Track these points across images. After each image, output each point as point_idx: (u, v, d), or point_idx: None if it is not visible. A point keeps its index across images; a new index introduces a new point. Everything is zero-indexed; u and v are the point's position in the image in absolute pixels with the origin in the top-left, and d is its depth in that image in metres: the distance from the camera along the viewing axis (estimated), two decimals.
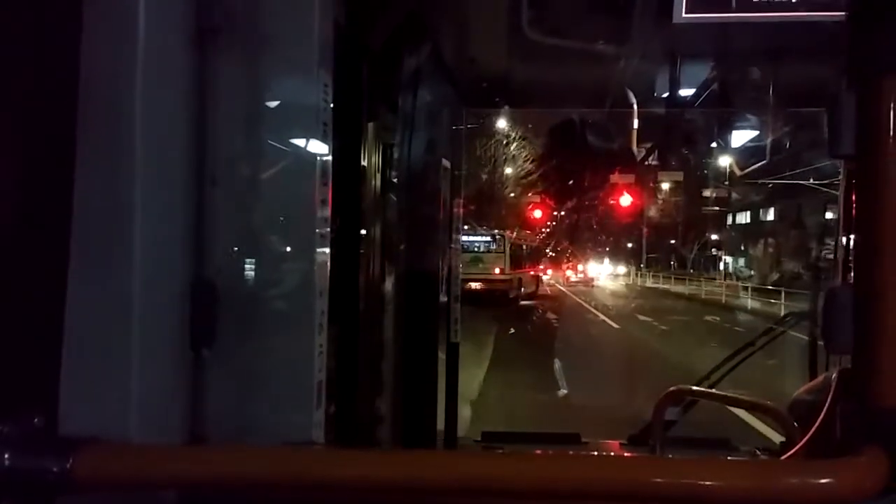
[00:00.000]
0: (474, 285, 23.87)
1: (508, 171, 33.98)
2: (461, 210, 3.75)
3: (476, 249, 25.79)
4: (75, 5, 1.01)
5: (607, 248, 54.97)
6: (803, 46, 2.41)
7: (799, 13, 2.15)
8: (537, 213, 36.87)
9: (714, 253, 47.43)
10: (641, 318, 21.05)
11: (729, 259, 45.15)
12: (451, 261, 3.56)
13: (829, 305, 0.92)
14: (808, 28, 2.14)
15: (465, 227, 4.03)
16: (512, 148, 32.63)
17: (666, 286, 40.21)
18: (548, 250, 41.34)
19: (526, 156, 33.44)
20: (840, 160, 0.96)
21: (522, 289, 27.99)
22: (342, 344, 2.00)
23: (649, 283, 45.04)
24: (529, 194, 36.26)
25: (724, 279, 37.26)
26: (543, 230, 41.94)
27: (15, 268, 0.98)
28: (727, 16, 2.34)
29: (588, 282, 43.83)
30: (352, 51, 1.98)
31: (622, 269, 54.76)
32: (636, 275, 50.01)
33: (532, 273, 31.80)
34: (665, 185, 42.54)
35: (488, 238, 26.36)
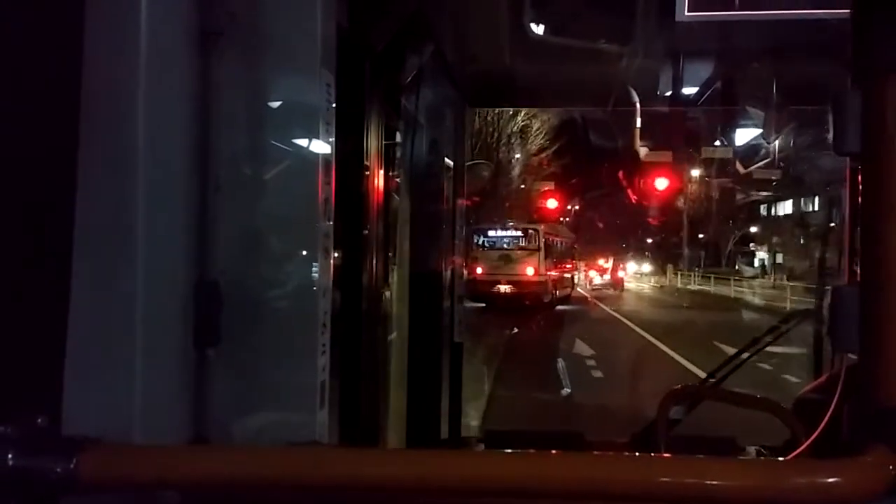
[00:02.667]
0: (503, 288, 21.10)
1: (517, 155, 27.45)
2: (465, 209, 3.75)
3: (505, 246, 22.59)
4: (78, 8, 1.01)
5: (623, 245, 46.60)
6: (807, 44, 2.40)
7: (802, 11, 2.15)
8: (552, 203, 29.51)
9: (753, 248, 40.68)
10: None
11: (764, 255, 38.79)
12: (454, 260, 3.56)
13: (835, 303, 0.91)
14: (811, 26, 2.14)
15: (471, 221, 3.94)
16: (520, 118, 25.64)
17: (717, 289, 31.14)
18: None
19: (538, 128, 26.66)
20: (845, 158, 0.96)
21: (557, 292, 24.28)
22: (345, 344, 1.99)
23: (692, 284, 35.58)
24: (542, 181, 29.39)
25: (773, 278, 31.57)
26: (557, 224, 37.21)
27: (19, 269, 0.98)
28: (730, 14, 2.34)
29: (616, 285, 34.80)
30: (354, 51, 1.98)
31: (647, 267, 46.16)
32: (673, 274, 41.10)
33: (567, 274, 27.71)
34: (695, 173, 34.49)
35: (519, 232, 22.98)
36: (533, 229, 23.24)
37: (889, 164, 0.86)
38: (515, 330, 15.58)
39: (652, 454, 2.57)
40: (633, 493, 0.85)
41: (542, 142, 27.52)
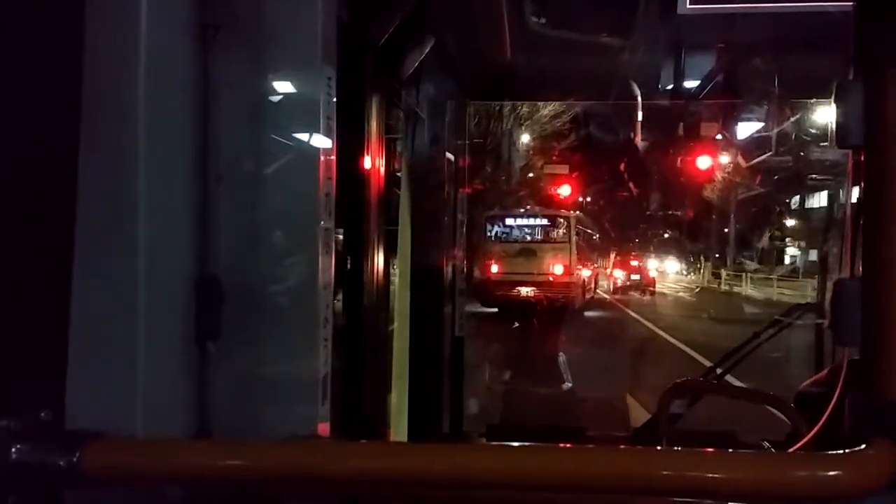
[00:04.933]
0: (525, 291, 16.83)
1: (525, 136, 21.49)
2: (466, 202, 3.75)
3: (526, 238, 17.90)
4: (79, 2, 1.01)
5: (637, 240, 39.43)
6: (809, 37, 2.39)
7: (804, 3, 2.14)
8: (565, 190, 23.31)
9: (789, 244, 34.39)
10: None
11: (795, 252, 33.07)
12: (455, 255, 3.56)
13: (837, 297, 0.91)
14: (813, 18, 2.13)
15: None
16: None
17: (781, 294, 22.41)
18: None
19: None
20: (847, 151, 0.95)
21: (586, 295, 19.76)
22: (347, 338, 2.00)
23: (743, 287, 27.77)
24: (555, 164, 22.54)
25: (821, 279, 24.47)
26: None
27: (21, 264, 0.98)
28: (731, 6, 2.33)
29: (645, 286, 28.03)
30: (355, 45, 1.98)
31: (672, 265, 38.64)
32: (710, 274, 33.79)
33: (591, 272, 22.32)
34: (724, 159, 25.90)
35: (545, 221, 18.10)
36: (563, 217, 18.32)
37: (892, 156, 0.86)
38: (509, 341, 11.61)
39: (655, 448, 2.57)
40: (635, 485, 0.86)
41: (556, 106, 20.29)
